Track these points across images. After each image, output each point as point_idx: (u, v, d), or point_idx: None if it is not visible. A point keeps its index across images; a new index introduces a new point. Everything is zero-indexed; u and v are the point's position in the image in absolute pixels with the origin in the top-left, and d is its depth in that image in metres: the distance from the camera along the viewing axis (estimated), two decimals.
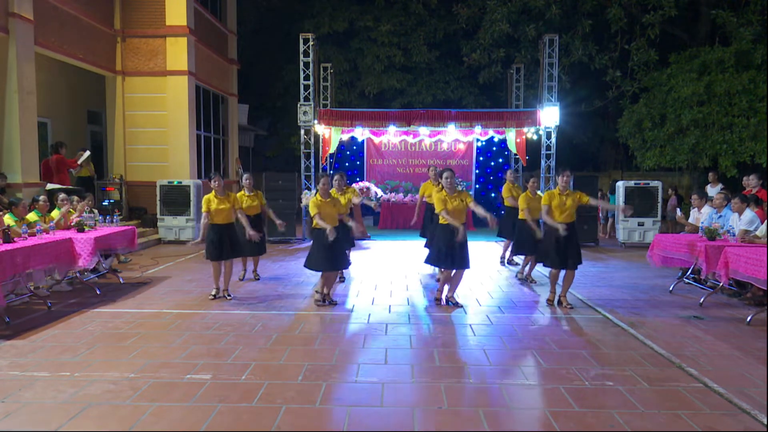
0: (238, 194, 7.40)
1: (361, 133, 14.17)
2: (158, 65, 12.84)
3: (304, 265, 6.41)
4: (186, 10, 12.67)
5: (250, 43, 19.88)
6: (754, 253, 5.59)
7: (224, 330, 5.47)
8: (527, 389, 4.07)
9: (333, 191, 6.71)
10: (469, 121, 13.27)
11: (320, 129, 13.32)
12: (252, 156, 21.56)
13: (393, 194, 15.06)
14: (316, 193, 6.32)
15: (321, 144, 13.75)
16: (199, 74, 13.72)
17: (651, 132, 13.80)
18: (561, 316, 6.13)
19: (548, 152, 13.01)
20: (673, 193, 13.99)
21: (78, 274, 7.37)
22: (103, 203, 11.49)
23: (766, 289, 5.46)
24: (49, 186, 9.70)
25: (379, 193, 14.51)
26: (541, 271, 8.30)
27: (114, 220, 8.40)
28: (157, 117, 12.89)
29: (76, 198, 8.27)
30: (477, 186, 15.87)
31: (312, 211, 6.14)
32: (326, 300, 6.53)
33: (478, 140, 15.10)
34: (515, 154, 14.46)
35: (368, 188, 14.04)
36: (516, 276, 8.24)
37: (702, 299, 6.65)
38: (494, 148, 16.07)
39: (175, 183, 12.02)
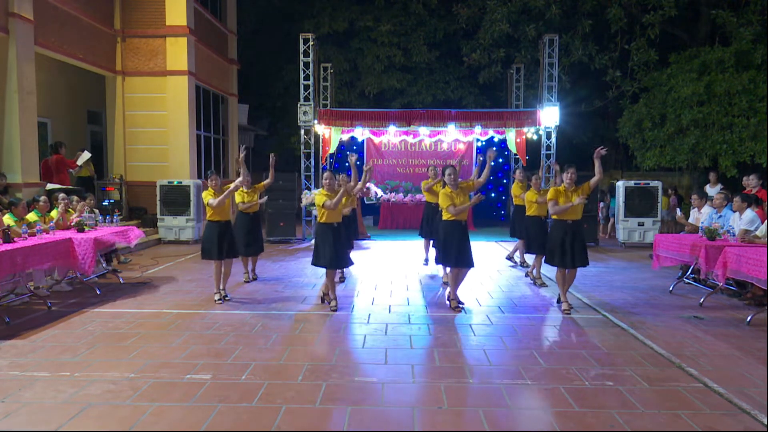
0: (236, 192, 7.35)
1: (361, 133, 14.17)
2: (158, 65, 12.85)
3: (312, 263, 6.40)
4: (186, 10, 12.67)
5: (250, 43, 19.87)
6: (754, 253, 5.59)
7: (224, 330, 5.47)
8: (527, 389, 4.07)
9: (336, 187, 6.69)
10: (469, 121, 13.27)
11: (320, 129, 13.32)
12: (252, 156, 21.54)
13: (393, 194, 15.06)
14: (321, 189, 6.32)
15: (321, 144, 13.75)
16: (199, 74, 13.72)
17: (651, 132, 13.80)
18: (561, 317, 6.13)
19: (548, 152, 13.00)
20: (673, 193, 13.99)
21: (78, 274, 7.37)
22: (103, 203, 11.49)
23: (766, 288, 5.46)
24: (49, 186, 9.70)
25: (379, 193, 14.51)
26: (545, 273, 8.29)
27: (114, 220, 8.41)
28: (157, 117, 12.89)
29: (75, 198, 8.28)
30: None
31: (318, 201, 6.11)
32: (325, 300, 6.52)
33: (478, 140, 15.09)
34: (515, 154, 14.46)
35: (368, 188, 14.02)
36: (526, 275, 8.26)
37: (702, 299, 6.65)
38: (494, 148, 16.01)
39: (175, 183, 12.02)
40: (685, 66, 13.60)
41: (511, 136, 13.68)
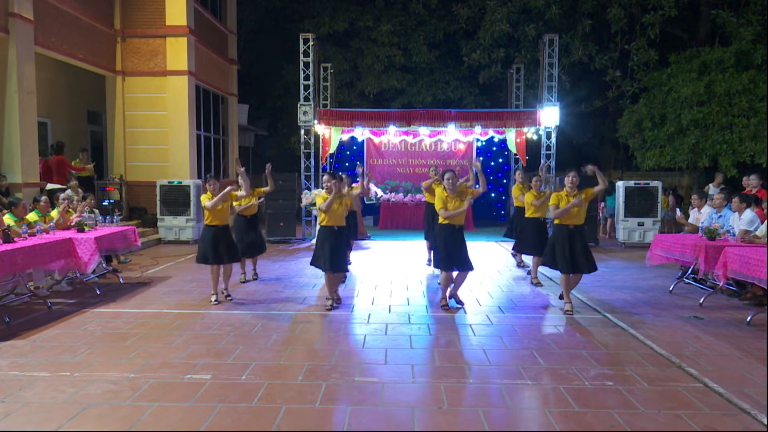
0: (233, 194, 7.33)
1: (361, 133, 14.17)
2: (158, 65, 12.85)
3: (311, 263, 6.41)
4: (186, 10, 12.67)
5: (250, 43, 19.87)
6: (754, 253, 5.59)
7: (224, 330, 5.47)
8: (527, 389, 4.07)
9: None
10: (469, 121, 13.26)
11: (320, 129, 13.31)
12: (252, 156, 21.54)
13: (393, 194, 15.05)
14: (323, 192, 6.33)
15: (321, 144, 13.74)
16: (199, 74, 13.72)
17: (651, 132, 13.80)
18: (561, 316, 6.13)
19: (548, 152, 13.00)
20: (671, 192, 13.97)
21: (78, 274, 7.36)
22: (103, 203, 11.49)
23: (766, 288, 5.46)
24: (49, 186, 9.71)
25: (379, 193, 14.51)
26: (543, 272, 8.30)
27: (114, 220, 8.40)
28: (157, 117, 12.89)
29: (69, 191, 8.26)
30: (477, 186, 15.82)
31: (318, 203, 6.15)
32: (330, 301, 6.50)
33: (478, 140, 15.09)
34: (515, 154, 14.46)
35: (368, 188, 14.02)
36: (527, 273, 8.29)
37: (702, 299, 6.65)
38: (494, 148, 16.07)
39: (175, 183, 12.03)
40: (685, 66, 13.61)
41: (511, 136, 13.68)
